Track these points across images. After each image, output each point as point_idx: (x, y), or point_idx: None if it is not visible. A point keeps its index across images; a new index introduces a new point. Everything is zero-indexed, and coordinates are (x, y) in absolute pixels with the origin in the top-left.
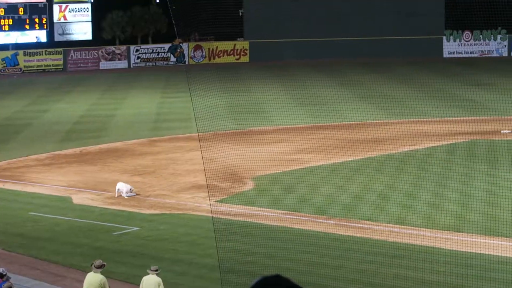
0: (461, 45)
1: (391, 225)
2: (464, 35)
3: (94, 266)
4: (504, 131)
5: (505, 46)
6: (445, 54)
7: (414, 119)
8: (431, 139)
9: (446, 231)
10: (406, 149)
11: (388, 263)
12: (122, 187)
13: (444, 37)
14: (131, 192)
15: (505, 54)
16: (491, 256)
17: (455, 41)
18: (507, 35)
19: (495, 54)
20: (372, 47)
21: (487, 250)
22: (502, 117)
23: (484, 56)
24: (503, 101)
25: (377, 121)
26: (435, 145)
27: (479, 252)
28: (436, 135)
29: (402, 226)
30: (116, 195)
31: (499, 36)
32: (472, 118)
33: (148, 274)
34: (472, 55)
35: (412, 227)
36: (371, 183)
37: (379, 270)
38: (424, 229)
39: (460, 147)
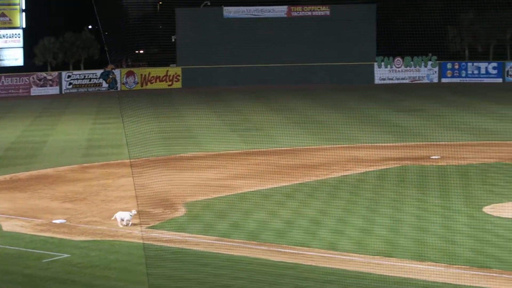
0: (392, 72)
1: (322, 250)
2: (395, 61)
3: None
4: (434, 157)
5: (435, 72)
6: (377, 81)
7: (346, 145)
8: (363, 165)
9: (376, 256)
10: (338, 175)
11: None
12: (124, 215)
13: (376, 64)
14: (130, 216)
15: (436, 80)
16: (419, 281)
17: (386, 67)
18: (437, 61)
19: (425, 80)
20: (304, 73)
21: (416, 275)
22: (432, 143)
23: (415, 82)
24: (433, 127)
25: (309, 147)
26: (367, 170)
27: (408, 276)
28: (368, 160)
29: (334, 252)
30: (120, 225)
31: (429, 63)
32: (403, 144)
33: None
34: (403, 81)
35: (343, 253)
36: (303, 209)
37: None
38: (355, 254)
39: (391, 173)
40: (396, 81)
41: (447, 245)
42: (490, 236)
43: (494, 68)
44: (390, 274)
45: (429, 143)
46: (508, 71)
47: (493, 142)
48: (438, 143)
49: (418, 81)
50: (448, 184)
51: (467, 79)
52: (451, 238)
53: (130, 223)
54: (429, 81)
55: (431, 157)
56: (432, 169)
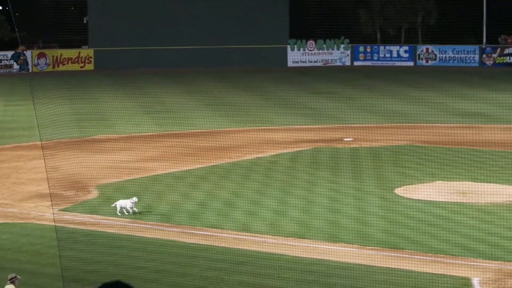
0: (305, 54)
1: (235, 232)
2: (308, 44)
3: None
4: (347, 139)
5: (348, 55)
6: (290, 63)
7: (260, 127)
8: (276, 147)
9: (290, 238)
10: (251, 157)
11: (233, 269)
12: (125, 203)
13: (289, 47)
14: (132, 203)
15: (348, 63)
16: (333, 262)
17: (299, 50)
18: (350, 44)
19: (338, 63)
20: (218, 56)
21: (329, 256)
22: (345, 125)
23: (327, 65)
24: (346, 109)
25: (223, 129)
26: (280, 152)
27: (321, 258)
28: (281, 142)
29: (247, 233)
30: (119, 213)
31: (342, 46)
32: (316, 126)
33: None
34: (316, 64)
35: (257, 234)
36: (216, 190)
37: (224, 277)
38: (268, 235)
39: (304, 155)
40: (309, 64)
41: (360, 226)
42: (402, 217)
43: (405, 51)
44: (303, 255)
45: (342, 125)
46: (419, 55)
47: (405, 124)
48: (350, 125)
49: (331, 64)
50: (360, 166)
51: (379, 62)
52: (363, 219)
53: (131, 210)
54: (341, 64)
55: (344, 139)
56: (345, 151)
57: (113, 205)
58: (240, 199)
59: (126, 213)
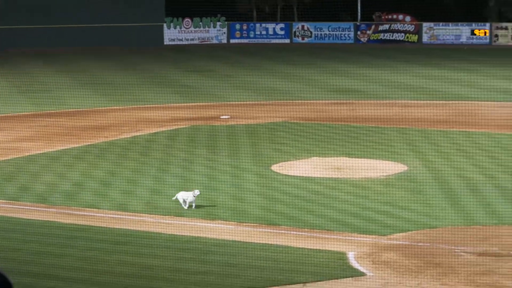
0: (182, 32)
1: (113, 211)
2: (184, 22)
3: None
4: (223, 117)
5: (224, 33)
6: (166, 42)
7: (136, 106)
8: (153, 125)
9: (167, 216)
10: (128, 136)
11: (111, 249)
12: (187, 196)
13: (165, 25)
14: (194, 196)
15: (225, 41)
16: (210, 239)
17: (175, 28)
18: (226, 22)
19: (215, 41)
20: (93, 35)
21: (206, 234)
22: (222, 103)
23: (204, 43)
24: (223, 87)
25: (99, 108)
26: (157, 131)
27: (198, 235)
28: (158, 121)
29: (124, 213)
30: (185, 206)
31: (218, 24)
32: (193, 104)
33: None
34: (193, 42)
35: (134, 213)
36: (93, 170)
37: (103, 257)
38: (146, 214)
39: (181, 133)
40: (185, 42)
41: (237, 203)
42: (278, 193)
43: (281, 29)
44: (180, 233)
45: (219, 103)
46: (295, 32)
47: (281, 101)
48: (227, 103)
49: (208, 42)
50: (237, 143)
51: (256, 39)
52: (240, 196)
53: (194, 205)
54: (218, 42)
55: (221, 116)
56: (222, 128)
57: (174, 198)
58: (117, 179)
59: (187, 207)
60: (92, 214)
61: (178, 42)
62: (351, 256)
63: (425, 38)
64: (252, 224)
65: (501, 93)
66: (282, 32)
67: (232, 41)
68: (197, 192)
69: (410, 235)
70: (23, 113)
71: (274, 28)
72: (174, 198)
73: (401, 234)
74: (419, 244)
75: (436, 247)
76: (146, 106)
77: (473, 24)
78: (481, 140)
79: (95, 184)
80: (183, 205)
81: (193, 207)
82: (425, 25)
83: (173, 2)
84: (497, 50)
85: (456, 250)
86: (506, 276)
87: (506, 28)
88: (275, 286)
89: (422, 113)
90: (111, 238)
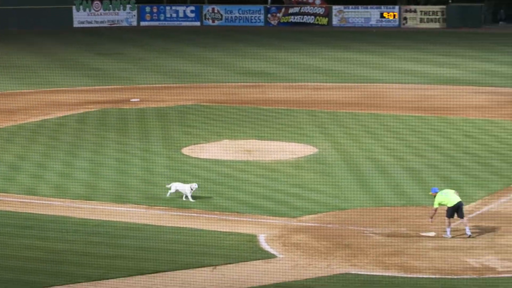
0: (92, 15)
1: (21, 195)
2: (93, 4)
3: None
4: (134, 100)
5: (134, 16)
6: (75, 24)
7: (45, 89)
8: (62, 109)
9: (77, 200)
10: (37, 119)
11: (19, 234)
12: (183, 188)
13: (74, 7)
14: (191, 190)
15: (135, 23)
16: (121, 223)
17: (84, 10)
18: (136, 5)
19: (125, 24)
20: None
21: (117, 217)
22: (132, 86)
23: (114, 25)
24: (133, 70)
25: (7, 92)
26: (67, 114)
27: (109, 219)
28: (67, 104)
29: (33, 197)
30: (168, 195)
31: (128, 6)
32: (103, 87)
33: None
34: (102, 25)
35: (43, 197)
36: (1, 154)
37: (10, 242)
38: (54, 198)
39: (91, 116)
40: (95, 25)
41: (147, 187)
42: (189, 177)
43: (192, 11)
44: (90, 217)
45: (129, 86)
46: (205, 15)
47: (191, 84)
48: (137, 86)
49: (117, 25)
50: (148, 127)
51: (166, 22)
52: (151, 180)
53: (190, 197)
54: (128, 25)
55: (131, 100)
56: (132, 111)
57: (168, 185)
58: (25, 163)
59: (184, 199)
60: (0, 198)
61: (88, 25)
62: (261, 239)
63: (335, 21)
64: (163, 208)
65: (409, 75)
66: (193, 15)
67: (142, 23)
68: (194, 185)
69: (320, 217)
70: None
71: (184, 11)
72: (168, 185)
73: (311, 216)
74: (329, 225)
75: (346, 229)
76: (55, 89)
77: (382, 7)
78: (390, 122)
79: (3, 168)
80: (172, 194)
81: (190, 199)
82: (335, 8)
83: None
84: (406, 33)
85: (366, 231)
86: (414, 256)
87: (415, 11)
88: (185, 269)
89: (331, 95)
90: (18, 222)
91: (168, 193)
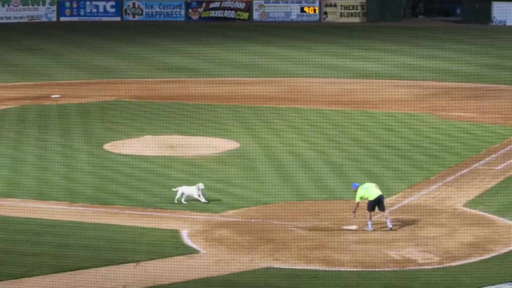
0: (10, 10)
1: None
2: (13, 0)
3: None
4: (54, 96)
5: (53, 11)
6: None
7: None
8: None
9: None
10: None
11: None
12: (190, 191)
13: None
14: (198, 190)
15: (54, 19)
16: (42, 220)
17: (3, 6)
18: (56, 0)
19: (44, 19)
20: None
21: (38, 215)
22: (52, 82)
23: (33, 21)
24: (53, 66)
25: None
26: None
27: (30, 216)
28: None
29: None
30: (176, 201)
31: (47, 1)
32: (22, 83)
33: None
34: (22, 20)
35: None
36: None
37: None
38: None
39: (10, 113)
40: (14, 20)
41: (69, 183)
42: (111, 173)
43: (112, 6)
44: (12, 215)
45: (49, 82)
46: (126, 10)
47: (113, 80)
48: (58, 82)
49: (37, 20)
50: (69, 123)
51: (86, 17)
52: (72, 176)
53: (203, 198)
54: (47, 20)
55: (51, 96)
56: (53, 108)
57: (175, 189)
58: None
59: (200, 200)
60: None
61: (6, 21)
62: (184, 234)
63: (255, 16)
64: (85, 204)
65: (330, 69)
66: (113, 10)
67: (62, 19)
68: (201, 185)
69: (243, 211)
70: None
71: (104, 6)
72: (175, 189)
73: (233, 211)
74: (252, 220)
75: (269, 223)
76: None
77: (303, 2)
78: (311, 116)
79: None
80: (180, 199)
81: (203, 200)
82: (256, 2)
83: None
84: (327, 27)
85: (288, 226)
86: (336, 250)
87: (335, 5)
88: (107, 265)
89: (253, 90)
90: None
91: (176, 198)
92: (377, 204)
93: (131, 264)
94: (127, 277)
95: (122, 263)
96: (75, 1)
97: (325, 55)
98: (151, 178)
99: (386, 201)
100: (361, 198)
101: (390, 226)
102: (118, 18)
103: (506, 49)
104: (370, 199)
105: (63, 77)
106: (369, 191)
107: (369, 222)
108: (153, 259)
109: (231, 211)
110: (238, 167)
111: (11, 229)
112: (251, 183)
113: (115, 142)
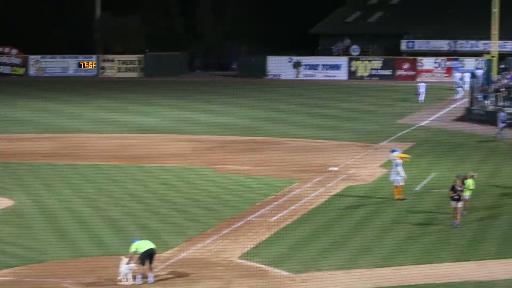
0: None
1: None
2: None
3: None
4: None
5: None
6: None
7: None
8: None
9: None
10: None
11: None
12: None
13: None
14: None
15: None
16: None
17: None
18: None
19: None
20: None
21: None
22: None
23: None
24: None
25: None
26: None
27: None
28: None
29: None
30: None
31: None
32: None
33: None
34: None
35: None
36: None
37: None
38: None
39: None
40: None
41: None
42: None
43: None
44: None
45: None
46: None
47: None
48: None
49: None
50: None
51: None
52: None
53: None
54: None
55: None
56: None
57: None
58: None
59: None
60: None
61: None
62: None
63: (32, 71)
64: None
65: (108, 124)
66: None
67: None
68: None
69: (17, 270)
70: None
71: None
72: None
73: (7, 270)
74: (26, 279)
75: (43, 281)
76: None
77: (80, 57)
78: (88, 172)
79: None
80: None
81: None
82: (32, 57)
83: None
84: (104, 82)
85: (64, 283)
86: None
87: (112, 60)
88: None
89: (29, 146)
90: None
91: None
92: (148, 257)
93: None
94: None
95: None
96: None
97: (102, 110)
98: None
99: (163, 255)
100: (135, 252)
101: (152, 280)
102: None
103: (280, 102)
104: (142, 251)
105: None
106: (142, 245)
107: (139, 276)
108: None
109: (4, 270)
110: (12, 225)
111: None
112: (26, 241)
113: None
